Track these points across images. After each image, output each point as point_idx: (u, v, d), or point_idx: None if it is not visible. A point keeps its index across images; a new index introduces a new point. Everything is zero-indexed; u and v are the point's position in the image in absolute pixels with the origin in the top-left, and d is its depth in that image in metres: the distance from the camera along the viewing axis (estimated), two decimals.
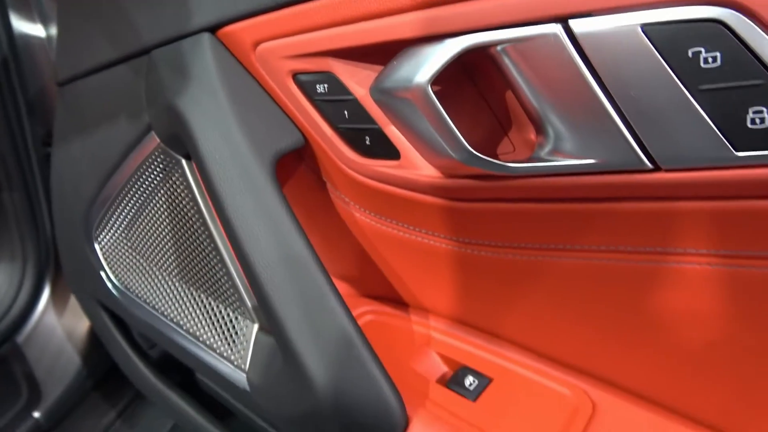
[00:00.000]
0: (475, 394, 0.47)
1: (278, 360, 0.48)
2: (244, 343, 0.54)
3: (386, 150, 0.44)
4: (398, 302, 0.59)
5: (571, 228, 0.39)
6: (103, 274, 0.71)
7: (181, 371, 0.86)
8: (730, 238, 0.33)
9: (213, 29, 0.47)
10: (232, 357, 0.54)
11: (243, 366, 0.53)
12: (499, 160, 0.37)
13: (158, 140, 0.56)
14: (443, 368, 0.52)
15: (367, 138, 0.45)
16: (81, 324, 1.09)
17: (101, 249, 0.69)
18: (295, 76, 0.45)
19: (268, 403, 0.50)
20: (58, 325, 1.10)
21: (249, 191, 0.46)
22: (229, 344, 0.55)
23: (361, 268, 0.57)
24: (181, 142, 0.52)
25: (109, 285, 0.70)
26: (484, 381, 0.48)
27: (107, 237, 0.68)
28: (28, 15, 0.95)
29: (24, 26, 0.95)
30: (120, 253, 0.67)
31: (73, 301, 1.10)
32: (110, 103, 0.61)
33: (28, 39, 0.96)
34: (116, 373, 1.16)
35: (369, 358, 0.43)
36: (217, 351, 0.56)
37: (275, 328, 0.45)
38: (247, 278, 0.47)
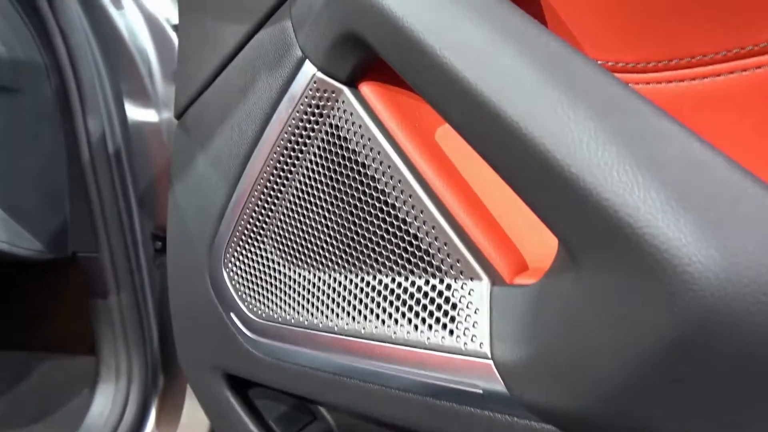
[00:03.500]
0: None
1: (563, 296, 0.27)
2: (472, 315, 0.34)
3: None
4: None
5: None
6: (234, 316, 0.53)
7: None
8: None
9: None
10: (458, 342, 0.34)
11: (481, 348, 0.32)
12: None
13: (314, 69, 0.42)
14: None
15: None
16: None
17: (231, 276, 0.53)
18: None
19: (560, 383, 0.28)
20: None
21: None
22: (446, 326, 0.35)
23: None
24: (350, 53, 0.39)
25: (242, 327, 0.52)
26: None
27: (240, 252, 0.52)
28: (144, 100, 0.91)
29: (138, 113, 0.91)
30: (257, 267, 0.50)
31: (183, 426, 0.91)
32: (244, 81, 0.50)
33: (141, 126, 0.91)
34: None
35: None
36: (430, 345, 0.36)
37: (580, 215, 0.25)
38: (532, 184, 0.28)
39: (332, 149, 0.42)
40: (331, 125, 0.42)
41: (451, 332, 0.34)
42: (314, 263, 0.45)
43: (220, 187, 0.53)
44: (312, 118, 0.43)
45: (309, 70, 0.43)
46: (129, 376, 0.91)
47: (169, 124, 0.91)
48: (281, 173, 0.46)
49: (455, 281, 0.35)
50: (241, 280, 0.52)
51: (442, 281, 0.36)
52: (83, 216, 0.89)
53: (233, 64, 0.52)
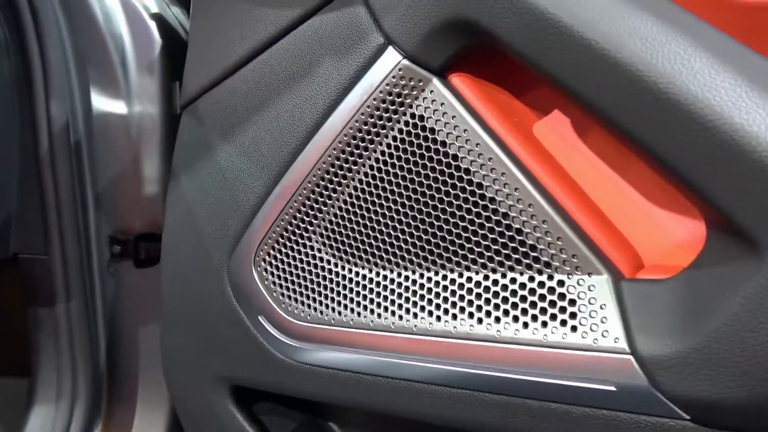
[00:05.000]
0: None
1: (737, 284, 0.27)
2: (598, 310, 0.33)
3: None
4: None
5: None
6: (263, 319, 0.49)
7: None
8: None
9: None
10: (586, 338, 0.33)
11: (617, 344, 0.31)
12: None
13: (399, 57, 0.40)
14: None
15: None
16: None
17: (263, 276, 0.49)
18: None
19: (731, 374, 0.27)
20: None
21: None
22: (565, 323, 0.34)
23: None
24: (449, 42, 0.38)
25: (275, 331, 0.48)
26: None
27: (279, 250, 0.48)
28: (113, 90, 0.83)
29: (105, 103, 0.83)
30: (301, 266, 0.47)
31: None
32: (296, 67, 0.47)
33: (107, 118, 0.83)
34: None
35: None
36: (547, 342, 0.34)
37: None
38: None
39: (413, 140, 0.41)
40: (413, 115, 0.40)
41: (574, 328, 0.33)
42: (379, 260, 0.43)
43: (258, 178, 0.49)
44: (391, 107, 0.41)
45: (392, 57, 0.41)
46: (73, 396, 0.80)
47: (139, 118, 0.83)
48: (344, 163, 0.44)
49: (569, 277, 0.34)
50: (277, 279, 0.48)
51: (551, 277, 0.35)
52: (33, 213, 0.78)
53: (275, 49, 0.49)
